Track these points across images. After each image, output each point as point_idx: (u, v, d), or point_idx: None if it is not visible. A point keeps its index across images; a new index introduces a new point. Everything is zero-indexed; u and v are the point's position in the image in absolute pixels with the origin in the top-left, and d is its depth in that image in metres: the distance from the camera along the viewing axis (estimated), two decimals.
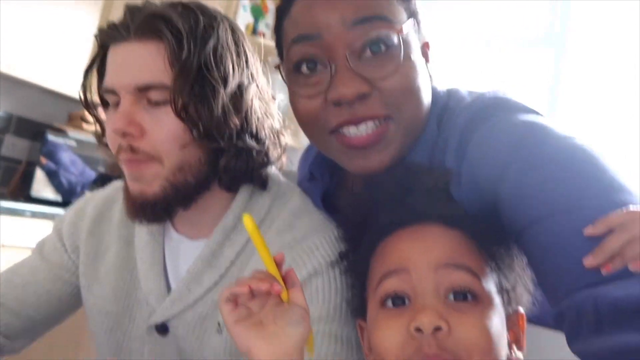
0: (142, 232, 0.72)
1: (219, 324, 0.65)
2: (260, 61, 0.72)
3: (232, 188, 0.68)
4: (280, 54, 0.66)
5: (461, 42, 2.13)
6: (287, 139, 0.75)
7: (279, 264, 0.48)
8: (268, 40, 2.37)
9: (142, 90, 0.61)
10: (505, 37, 2.06)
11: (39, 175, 2.12)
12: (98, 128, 0.70)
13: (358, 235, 0.59)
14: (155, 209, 0.64)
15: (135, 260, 0.73)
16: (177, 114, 0.60)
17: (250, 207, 0.68)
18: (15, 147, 2.32)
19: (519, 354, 0.54)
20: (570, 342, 0.46)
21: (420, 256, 0.51)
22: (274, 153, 0.71)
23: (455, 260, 0.50)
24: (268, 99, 0.72)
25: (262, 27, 2.56)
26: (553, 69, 1.90)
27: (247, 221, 0.46)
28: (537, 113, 0.61)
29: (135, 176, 0.63)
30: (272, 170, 0.73)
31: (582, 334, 0.44)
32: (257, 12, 2.53)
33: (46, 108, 2.38)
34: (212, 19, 0.65)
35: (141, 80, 0.60)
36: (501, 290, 0.53)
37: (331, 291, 0.61)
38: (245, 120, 0.66)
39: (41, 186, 2.12)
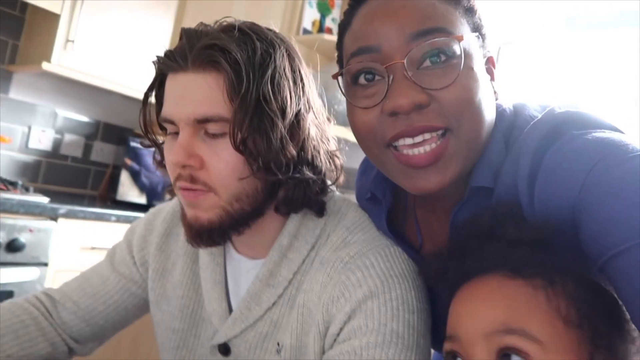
0: (205, 252, 0.74)
1: (278, 344, 0.66)
2: (328, 58, 0.73)
3: (289, 214, 0.68)
4: (341, 68, 0.64)
5: (542, 23, 1.98)
6: (343, 158, 0.74)
7: None
8: (335, 36, 2.35)
9: (201, 122, 0.61)
10: (587, 18, 1.89)
11: (124, 178, 2.26)
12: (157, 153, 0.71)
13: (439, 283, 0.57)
14: (212, 235, 0.64)
15: (200, 279, 0.75)
16: (236, 148, 0.60)
17: (305, 224, 0.68)
18: (103, 152, 2.50)
19: None
20: None
21: (471, 323, 0.49)
22: (331, 176, 0.71)
23: (507, 325, 0.46)
24: (323, 122, 0.71)
25: (329, 22, 2.53)
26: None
27: None
28: (614, 128, 0.55)
29: (192, 204, 0.63)
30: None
31: None
32: (324, 8, 2.52)
33: (128, 114, 2.54)
34: (269, 45, 0.63)
35: (199, 113, 0.60)
36: (593, 346, 0.46)
37: (387, 314, 0.58)
38: (302, 149, 0.65)
39: (126, 189, 2.26)
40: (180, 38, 0.64)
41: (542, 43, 2.01)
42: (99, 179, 2.49)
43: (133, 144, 2.29)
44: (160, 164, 0.71)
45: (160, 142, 0.70)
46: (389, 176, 0.62)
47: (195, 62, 0.60)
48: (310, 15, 2.47)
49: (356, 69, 0.58)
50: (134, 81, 2.17)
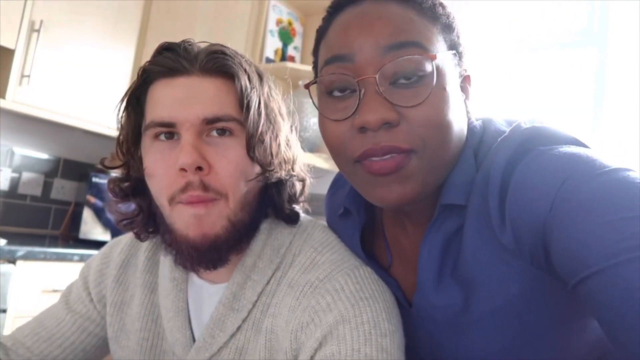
0: (165, 280, 0.71)
1: None
2: (291, 86, 0.78)
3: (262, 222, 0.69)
4: (315, 75, 0.64)
5: (496, 43, 2.05)
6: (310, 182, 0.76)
7: None
8: (298, 64, 2.37)
9: (210, 123, 0.60)
10: (544, 38, 1.97)
11: (86, 215, 2.18)
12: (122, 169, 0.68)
13: None
14: (220, 252, 0.62)
15: (160, 309, 0.71)
16: (249, 150, 0.61)
17: (269, 244, 0.67)
18: (64, 189, 2.41)
19: None
20: None
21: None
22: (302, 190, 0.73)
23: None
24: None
25: (291, 51, 2.56)
26: (596, 68, 1.79)
27: None
28: (579, 142, 0.55)
29: (201, 216, 0.60)
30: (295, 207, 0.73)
31: None
32: (286, 37, 2.54)
33: (89, 149, 2.47)
34: (254, 65, 0.68)
35: (210, 112, 0.60)
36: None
37: (359, 339, 0.56)
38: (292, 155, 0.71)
39: (89, 227, 2.18)
40: (165, 49, 0.64)
41: (496, 64, 2.08)
42: (60, 218, 2.39)
43: (95, 180, 2.22)
44: (123, 195, 0.68)
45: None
46: (357, 187, 0.61)
47: (204, 66, 0.62)
48: (273, 44, 2.48)
49: (329, 80, 0.58)
50: (95, 116, 2.12)
